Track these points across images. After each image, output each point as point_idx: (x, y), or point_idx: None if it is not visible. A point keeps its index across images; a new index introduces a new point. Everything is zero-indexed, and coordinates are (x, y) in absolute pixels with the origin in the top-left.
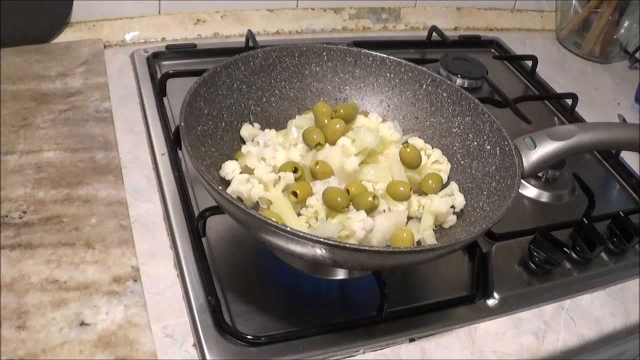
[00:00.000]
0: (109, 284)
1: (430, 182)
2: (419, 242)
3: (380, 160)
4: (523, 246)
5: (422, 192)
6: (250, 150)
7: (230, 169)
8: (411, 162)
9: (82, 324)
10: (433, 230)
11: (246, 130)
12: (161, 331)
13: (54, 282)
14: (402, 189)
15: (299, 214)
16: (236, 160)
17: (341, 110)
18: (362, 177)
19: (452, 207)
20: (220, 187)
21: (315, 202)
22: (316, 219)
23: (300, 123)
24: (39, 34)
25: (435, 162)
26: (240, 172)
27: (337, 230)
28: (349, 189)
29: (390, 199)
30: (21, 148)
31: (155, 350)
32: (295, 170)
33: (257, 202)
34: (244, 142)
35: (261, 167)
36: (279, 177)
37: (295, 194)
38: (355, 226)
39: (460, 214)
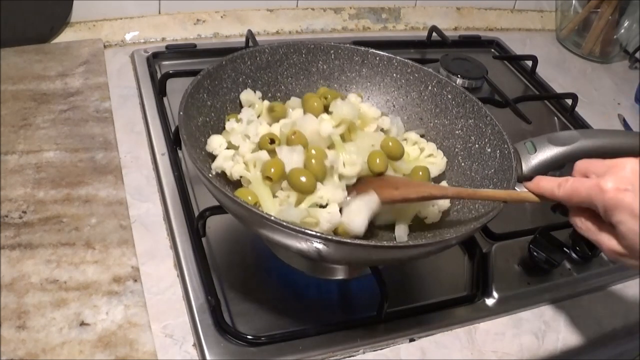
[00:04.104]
0: (109, 284)
1: (420, 173)
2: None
3: (363, 137)
4: (523, 246)
5: None
6: (234, 128)
7: (217, 144)
8: (392, 153)
9: (82, 324)
10: (415, 225)
11: (246, 95)
12: (161, 331)
13: (54, 282)
14: (378, 160)
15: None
16: (228, 123)
17: (328, 96)
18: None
19: (437, 204)
20: (210, 175)
21: (287, 184)
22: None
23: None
24: (39, 34)
25: (430, 155)
26: (227, 148)
27: (300, 215)
28: (310, 155)
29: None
30: (21, 148)
31: (155, 350)
32: (272, 142)
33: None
34: None
35: (245, 145)
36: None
37: (269, 178)
38: (322, 217)
39: (455, 215)
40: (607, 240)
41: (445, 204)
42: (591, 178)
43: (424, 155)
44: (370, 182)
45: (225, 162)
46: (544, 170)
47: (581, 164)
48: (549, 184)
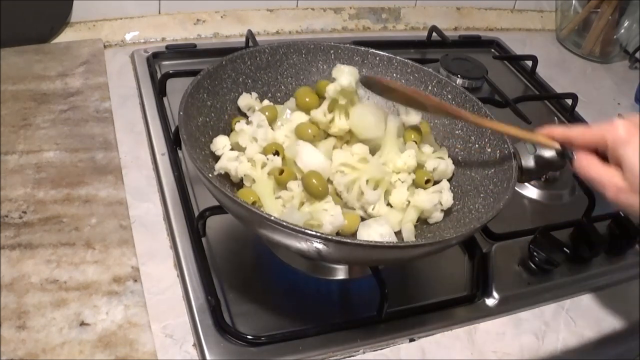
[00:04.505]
0: (109, 284)
1: (423, 178)
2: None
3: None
4: (523, 246)
5: (417, 185)
6: (243, 129)
7: (221, 144)
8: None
9: (82, 324)
10: (415, 225)
11: (244, 100)
12: (161, 331)
13: (54, 282)
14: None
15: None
16: (232, 130)
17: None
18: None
19: (440, 204)
20: (210, 175)
21: (295, 187)
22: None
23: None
24: (39, 34)
25: (439, 157)
26: (231, 149)
27: (303, 219)
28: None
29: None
30: (21, 148)
31: (155, 350)
32: (276, 153)
33: (242, 178)
34: None
35: (253, 147)
36: (267, 158)
37: (281, 172)
38: (325, 219)
39: (455, 215)
40: (610, 177)
41: (448, 202)
42: None
43: (435, 155)
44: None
45: (230, 162)
46: (544, 170)
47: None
48: (560, 128)
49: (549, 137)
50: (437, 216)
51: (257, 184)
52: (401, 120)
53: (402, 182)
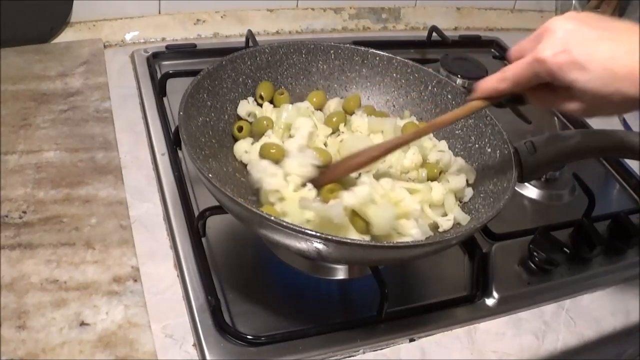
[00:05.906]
0: (109, 284)
1: (435, 170)
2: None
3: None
4: (523, 246)
5: (432, 180)
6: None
7: (242, 149)
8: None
9: (82, 324)
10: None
11: (243, 107)
12: (161, 331)
13: (54, 282)
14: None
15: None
16: (233, 134)
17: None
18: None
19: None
20: (210, 175)
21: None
22: None
23: (291, 114)
24: (39, 34)
25: (440, 151)
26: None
27: (340, 213)
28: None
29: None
30: (21, 148)
31: (155, 350)
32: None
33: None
34: None
35: (289, 187)
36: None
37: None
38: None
39: (456, 215)
40: (569, 105)
41: (472, 176)
42: (527, 56)
43: (436, 149)
44: (335, 165)
45: (272, 179)
46: (545, 170)
47: (514, 50)
48: (490, 83)
49: (486, 99)
50: (469, 192)
51: (287, 202)
52: (396, 120)
53: (413, 180)
